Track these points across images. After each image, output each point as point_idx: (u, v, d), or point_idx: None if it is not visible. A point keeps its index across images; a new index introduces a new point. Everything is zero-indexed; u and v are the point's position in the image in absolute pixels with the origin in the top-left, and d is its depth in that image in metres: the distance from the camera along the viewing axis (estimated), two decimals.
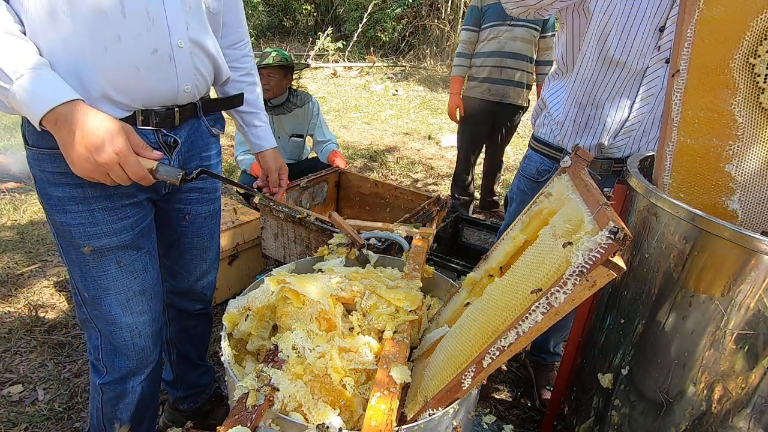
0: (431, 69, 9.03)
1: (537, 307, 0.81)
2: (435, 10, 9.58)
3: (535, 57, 3.14)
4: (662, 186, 1.10)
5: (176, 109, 1.08)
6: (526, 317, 0.82)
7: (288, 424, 0.87)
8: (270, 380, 0.92)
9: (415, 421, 0.91)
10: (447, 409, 0.91)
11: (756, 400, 0.96)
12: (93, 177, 0.90)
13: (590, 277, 0.77)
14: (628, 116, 1.45)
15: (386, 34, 9.71)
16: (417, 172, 4.57)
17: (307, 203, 2.48)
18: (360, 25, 9.35)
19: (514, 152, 5.17)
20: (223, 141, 4.58)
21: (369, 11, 9.38)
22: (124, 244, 1.10)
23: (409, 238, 1.51)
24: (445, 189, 4.12)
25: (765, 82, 1.00)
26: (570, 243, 0.82)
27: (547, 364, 1.94)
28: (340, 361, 0.99)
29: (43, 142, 0.98)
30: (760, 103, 1.02)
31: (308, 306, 1.05)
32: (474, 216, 3.34)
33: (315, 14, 10.95)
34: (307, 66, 3.26)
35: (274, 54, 2.62)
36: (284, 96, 2.80)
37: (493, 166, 3.61)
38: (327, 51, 9.35)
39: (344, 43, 9.53)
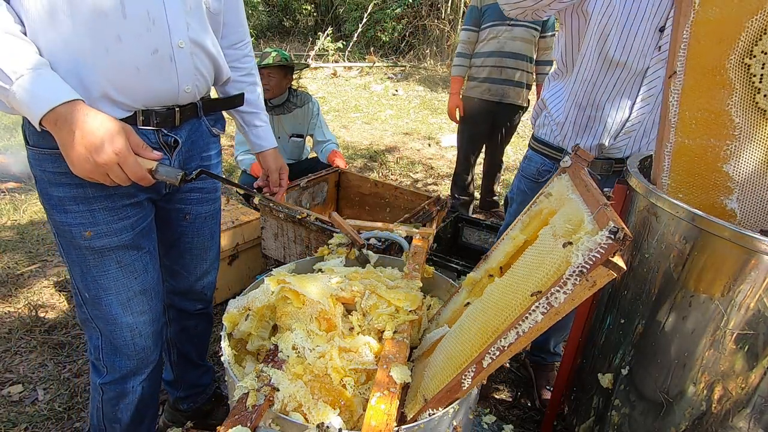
0: (431, 69, 9.03)
1: (537, 307, 0.81)
2: (435, 10, 9.58)
3: (534, 57, 3.14)
4: (661, 187, 1.11)
5: (177, 109, 1.08)
6: (526, 317, 0.82)
7: (288, 424, 0.87)
8: (270, 380, 0.92)
9: (415, 421, 0.91)
10: (447, 409, 0.91)
11: (756, 400, 0.96)
12: (92, 177, 0.90)
13: (590, 277, 0.77)
14: (629, 117, 1.45)
15: (386, 34, 9.71)
16: (417, 172, 4.57)
17: (307, 203, 2.48)
18: (360, 25, 9.35)
19: (514, 152, 5.17)
20: (223, 141, 4.58)
21: (369, 11, 9.38)
22: (124, 244, 1.10)
23: (409, 238, 1.51)
24: (445, 189, 4.12)
25: (761, 82, 1.01)
26: (570, 243, 0.82)
27: (547, 364, 1.94)
28: (340, 361, 0.99)
29: (44, 142, 0.98)
30: (757, 103, 1.02)
31: (308, 306, 1.05)
32: (474, 216, 3.34)
33: (315, 14, 10.95)
34: (307, 66, 3.26)
35: (274, 54, 2.62)
36: (284, 96, 2.80)
37: (493, 166, 3.61)
38: (327, 51, 9.35)
39: (344, 43, 9.53)
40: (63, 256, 1.12)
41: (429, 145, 5.38)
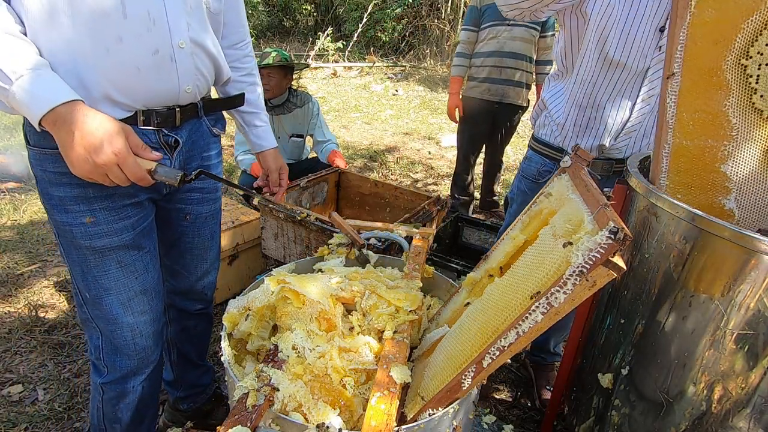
0: (431, 69, 9.03)
1: (537, 307, 0.81)
2: (435, 10, 9.59)
3: (534, 57, 3.14)
4: (660, 187, 1.11)
5: (177, 109, 1.09)
6: (526, 317, 0.82)
7: (288, 424, 0.87)
8: (270, 380, 0.92)
9: (415, 421, 0.91)
10: (447, 409, 0.91)
11: (756, 400, 0.96)
12: (92, 177, 0.90)
13: (590, 277, 0.77)
14: (629, 117, 1.45)
15: (386, 34, 9.71)
16: (417, 172, 4.58)
17: (307, 203, 2.48)
18: (360, 25, 9.35)
19: (514, 152, 5.17)
20: (223, 141, 4.58)
21: (369, 11, 9.38)
22: (125, 244, 1.10)
23: (409, 238, 1.51)
24: (445, 189, 4.12)
25: (757, 83, 1.02)
26: (570, 243, 0.82)
27: (547, 364, 1.94)
28: (340, 361, 0.99)
29: (44, 142, 0.98)
30: (753, 104, 1.03)
31: (308, 306, 1.05)
32: (474, 216, 3.34)
33: (315, 14, 10.95)
34: (307, 66, 3.26)
35: (274, 54, 2.63)
36: (284, 96, 2.80)
37: (493, 166, 3.61)
38: (327, 51, 9.35)
39: (344, 43, 9.53)
40: (63, 256, 1.12)
41: (429, 145, 5.38)
